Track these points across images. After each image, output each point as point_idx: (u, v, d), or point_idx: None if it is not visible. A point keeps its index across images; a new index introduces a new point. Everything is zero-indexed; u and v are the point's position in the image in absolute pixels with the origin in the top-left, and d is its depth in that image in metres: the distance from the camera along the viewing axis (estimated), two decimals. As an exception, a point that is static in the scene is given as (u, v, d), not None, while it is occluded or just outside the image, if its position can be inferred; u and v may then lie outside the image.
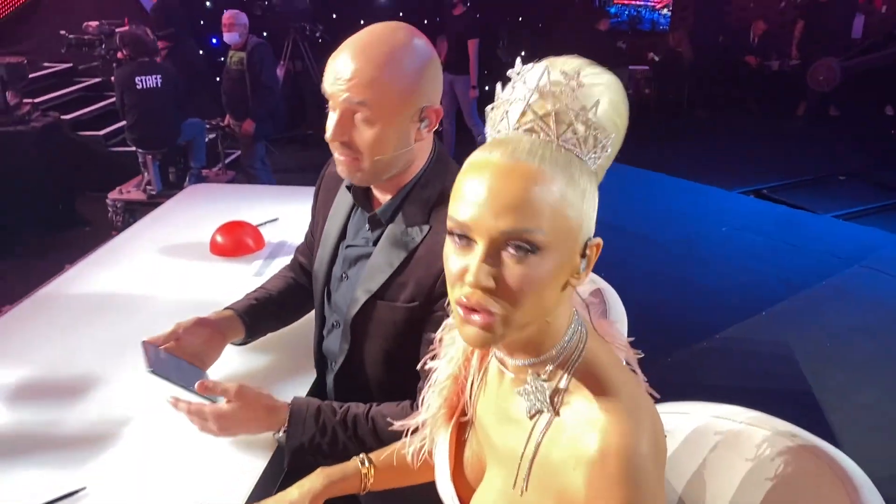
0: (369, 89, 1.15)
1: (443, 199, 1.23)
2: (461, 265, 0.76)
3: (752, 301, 3.69)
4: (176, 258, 2.04)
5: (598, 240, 0.79)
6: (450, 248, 0.78)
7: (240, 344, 1.54)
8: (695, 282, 4.02)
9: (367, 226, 1.34)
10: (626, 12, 9.80)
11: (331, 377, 1.40)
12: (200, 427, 1.25)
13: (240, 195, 2.67)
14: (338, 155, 1.23)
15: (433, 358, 1.00)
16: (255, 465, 1.24)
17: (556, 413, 0.80)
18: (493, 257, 0.74)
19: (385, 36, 1.18)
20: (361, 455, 1.13)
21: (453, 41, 6.12)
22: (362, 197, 1.34)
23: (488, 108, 0.81)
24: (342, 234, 1.39)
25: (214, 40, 7.19)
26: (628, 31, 9.60)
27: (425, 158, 1.29)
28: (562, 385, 0.80)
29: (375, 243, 1.31)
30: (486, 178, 0.74)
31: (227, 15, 4.74)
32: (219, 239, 2.04)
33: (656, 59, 8.76)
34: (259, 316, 1.53)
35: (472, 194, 0.74)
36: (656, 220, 4.94)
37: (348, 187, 1.37)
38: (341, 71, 1.16)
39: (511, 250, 0.73)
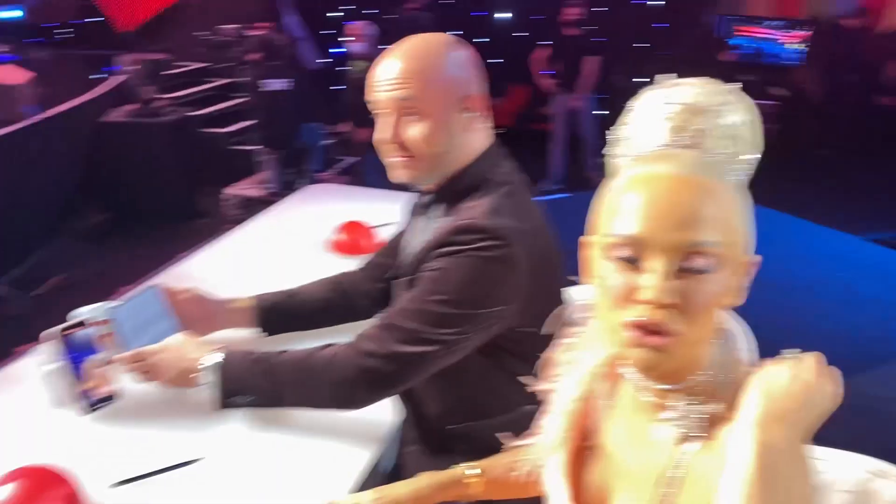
0: (414, 82, 1.21)
1: (477, 190, 1.24)
2: (628, 284, 0.72)
3: (874, 354, 3.45)
4: (291, 252, 2.09)
5: (758, 257, 0.76)
6: (608, 266, 0.74)
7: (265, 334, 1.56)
8: (814, 329, 3.80)
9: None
10: (750, 45, 9.46)
11: None
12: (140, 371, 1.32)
13: (357, 196, 2.71)
14: (392, 158, 1.27)
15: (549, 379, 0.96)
16: (363, 454, 1.26)
17: (710, 437, 0.75)
18: (670, 273, 0.70)
19: (419, 38, 1.27)
20: (470, 462, 1.11)
21: (568, 60, 6.07)
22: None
23: (623, 126, 0.79)
24: None
25: (335, 49, 7.40)
26: (751, 64, 9.27)
27: (477, 153, 1.29)
28: (714, 408, 0.76)
29: None
30: (659, 191, 0.71)
31: (357, 25, 4.86)
32: (338, 237, 2.07)
33: (782, 94, 8.40)
34: (280, 317, 1.57)
35: (643, 207, 0.71)
36: (777, 262, 4.67)
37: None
38: (385, 73, 1.23)
39: (689, 265, 0.70)
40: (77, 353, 1.32)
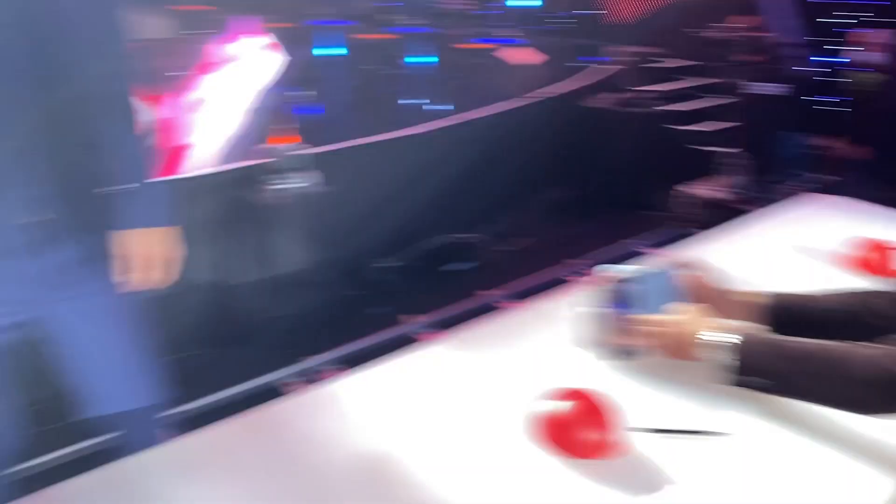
0: None
1: None
2: None
3: None
4: (789, 260, 2.03)
5: None
6: None
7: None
8: None
9: None
10: None
11: None
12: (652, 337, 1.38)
13: (858, 213, 2.45)
14: None
15: None
16: (886, 484, 1.15)
17: None
18: None
19: None
20: None
21: None
22: None
23: None
24: None
25: (817, 57, 6.75)
26: None
27: None
28: None
29: None
30: None
31: (879, 34, 4.41)
32: (854, 253, 1.94)
33: None
34: (794, 319, 1.47)
35: None
36: None
37: None
38: None
39: None
40: (615, 305, 1.45)
